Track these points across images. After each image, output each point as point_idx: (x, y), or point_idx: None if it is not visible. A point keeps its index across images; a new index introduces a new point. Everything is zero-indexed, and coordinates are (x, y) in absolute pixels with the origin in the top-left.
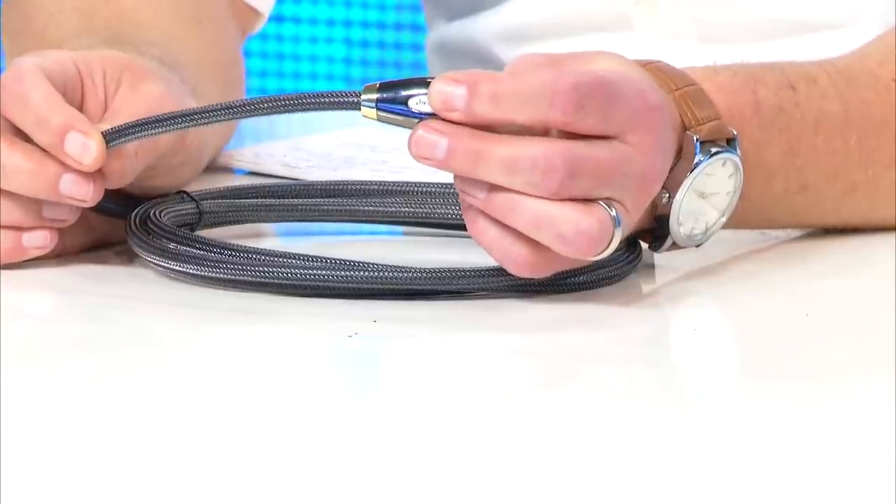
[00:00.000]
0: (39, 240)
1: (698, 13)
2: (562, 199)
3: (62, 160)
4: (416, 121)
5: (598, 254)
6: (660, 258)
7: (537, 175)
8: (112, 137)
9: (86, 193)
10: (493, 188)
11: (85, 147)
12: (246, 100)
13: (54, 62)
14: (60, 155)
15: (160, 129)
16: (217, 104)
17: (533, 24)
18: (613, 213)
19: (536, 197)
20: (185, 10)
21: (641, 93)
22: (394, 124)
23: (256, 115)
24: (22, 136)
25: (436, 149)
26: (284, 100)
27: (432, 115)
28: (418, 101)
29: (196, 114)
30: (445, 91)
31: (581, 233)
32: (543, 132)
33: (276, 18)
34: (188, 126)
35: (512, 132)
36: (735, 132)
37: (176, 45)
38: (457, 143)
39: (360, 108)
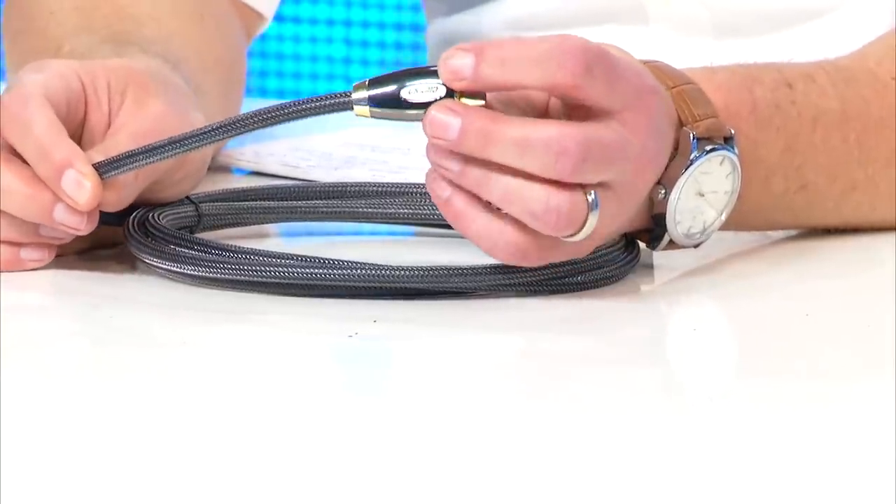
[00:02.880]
0: (36, 254)
1: (712, 1)
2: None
3: (58, 194)
4: (412, 112)
5: (572, 235)
6: (658, 258)
7: (550, 157)
8: (105, 169)
9: (78, 223)
10: (468, 161)
11: (80, 186)
12: (236, 118)
13: (58, 78)
14: (57, 190)
15: (153, 159)
16: (208, 126)
17: (541, 14)
18: (591, 196)
19: (509, 172)
20: (186, 6)
21: (638, 74)
22: (388, 119)
23: (248, 131)
24: (20, 156)
25: (448, 129)
26: (275, 111)
27: (426, 104)
28: (409, 91)
29: (188, 139)
30: (454, 61)
31: (550, 210)
32: (545, 111)
33: (276, 18)
34: (181, 152)
35: (522, 112)
36: (732, 131)
37: (177, 42)
38: (469, 123)
39: (352, 108)
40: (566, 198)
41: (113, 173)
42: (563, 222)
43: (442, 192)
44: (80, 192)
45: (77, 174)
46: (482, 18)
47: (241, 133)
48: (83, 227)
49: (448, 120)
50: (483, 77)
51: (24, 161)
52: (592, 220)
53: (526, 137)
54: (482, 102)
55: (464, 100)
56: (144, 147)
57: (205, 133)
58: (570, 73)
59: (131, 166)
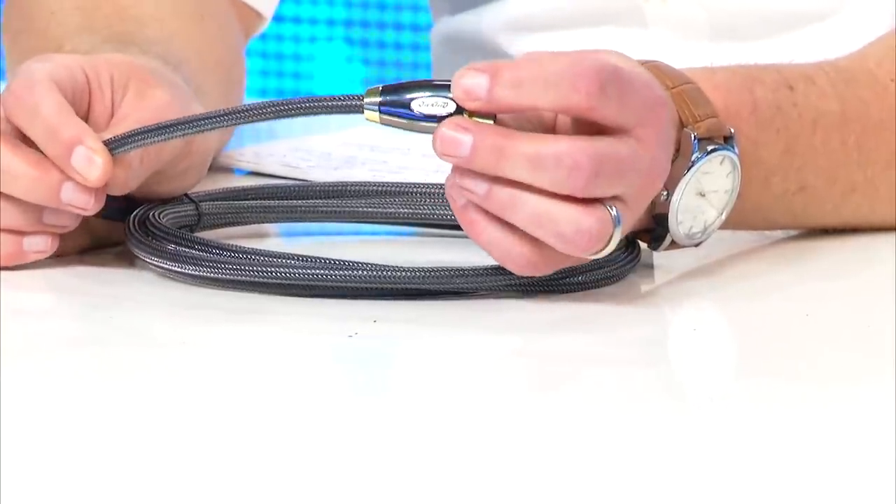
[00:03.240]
0: (40, 244)
1: (710, 3)
2: (574, 201)
3: (67, 172)
4: (421, 123)
5: (597, 252)
6: (659, 258)
7: (562, 172)
8: (115, 146)
9: (87, 202)
10: (495, 183)
11: (91, 162)
12: (248, 105)
13: (63, 69)
14: (66, 168)
15: (163, 137)
16: (219, 110)
17: (540, 15)
18: (614, 212)
19: (538, 194)
20: (186, 6)
21: (648, 86)
22: (397, 127)
23: (259, 119)
24: (26, 140)
25: (460, 146)
26: (287, 104)
27: (436, 118)
28: (421, 102)
29: (199, 120)
30: (467, 81)
31: (581, 232)
32: (553, 126)
33: (276, 18)
34: (191, 133)
35: (531, 127)
36: (732, 130)
37: (177, 42)
38: (481, 139)
39: (363, 112)
40: (595, 218)
41: (122, 149)
42: (592, 243)
43: (459, 199)
44: (90, 168)
45: (87, 150)
46: (483, 18)
47: (251, 122)
48: (91, 206)
49: (459, 137)
50: (497, 99)
51: (30, 146)
52: (616, 237)
53: (538, 153)
54: (492, 121)
55: (474, 118)
56: (155, 125)
57: (215, 117)
58: (585, 94)
59: (140, 143)
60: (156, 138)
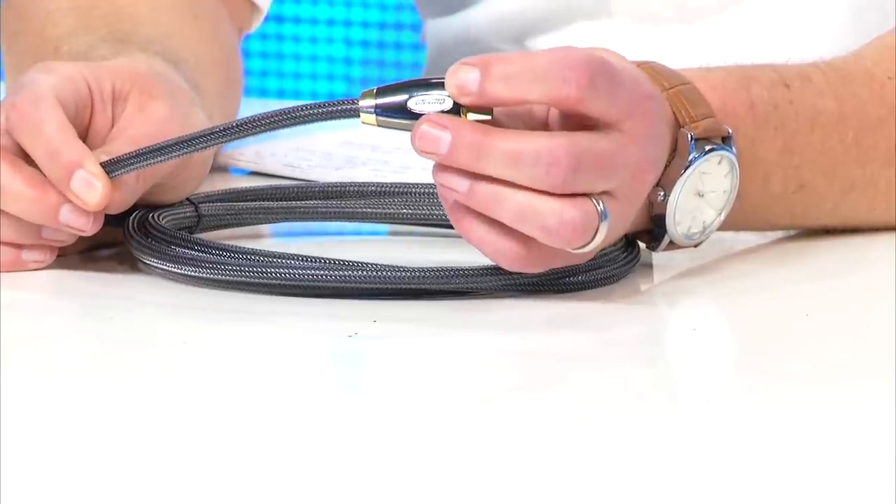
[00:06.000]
0: (38, 256)
1: None
2: (557, 194)
3: (67, 195)
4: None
5: (584, 246)
6: (658, 258)
7: (541, 169)
8: (113, 168)
9: (84, 224)
10: (476, 180)
11: (90, 186)
12: (243, 120)
13: (67, 81)
14: (66, 191)
15: (161, 158)
16: (215, 127)
17: (518, 16)
18: (601, 206)
19: (519, 188)
20: (180, 6)
21: (637, 81)
22: (394, 128)
23: (255, 133)
24: (26, 158)
25: (439, 143)
26: (282, 115)
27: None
28: (416, 101)
29: (196, 139)
30: (459, 76)
31: (565, 223)
32: (546, 121)
33: (276, 18)
34: (187, 152)
35: (524, 123)
36: (730, 130)
37: (175, 41)
38: (460, 137)
39: (359, 116)
40: (579, 211)
41: (120, 172)
42: (577, 235)
43: (448, 197)
44: (90, 193)
45: (87, 174)
46: (469, 20)
47: (248, 136)
48: (89, 228)
49: (437, 134)
50: (489, 93)
51: (29, 164)
52: (603, 231)
53: (516, 149)
54: (489, 116)
55: (471, 114)
56: (151, 146)
57: (211, 134)
58: (575, 87)
59: (138, 165)
60: (154, 160)
